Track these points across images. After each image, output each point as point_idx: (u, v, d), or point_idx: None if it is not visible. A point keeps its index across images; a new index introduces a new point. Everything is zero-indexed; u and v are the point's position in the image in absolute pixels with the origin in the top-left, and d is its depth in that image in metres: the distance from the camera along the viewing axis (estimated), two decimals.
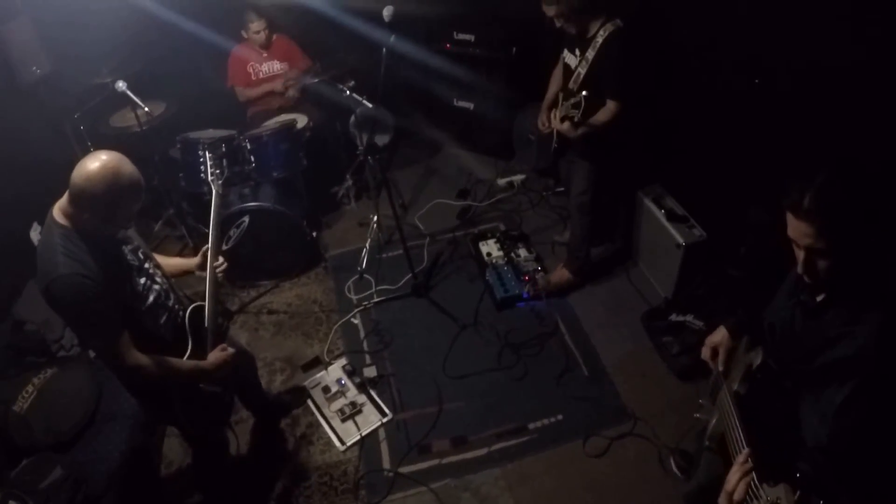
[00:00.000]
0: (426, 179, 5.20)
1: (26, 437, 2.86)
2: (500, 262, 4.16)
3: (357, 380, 3.52)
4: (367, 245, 4.29)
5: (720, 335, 2.17)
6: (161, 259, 2.56)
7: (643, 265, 4.11)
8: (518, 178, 4.97)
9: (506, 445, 3.18)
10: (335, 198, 4.98)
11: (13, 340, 3.39)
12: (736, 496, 1.66)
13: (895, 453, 1.69)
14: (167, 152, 4.15)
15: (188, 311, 2.49)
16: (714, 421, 2.18)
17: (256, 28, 4.50)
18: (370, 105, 4.09)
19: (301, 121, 4.46)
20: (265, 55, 4.68)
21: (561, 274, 3.95)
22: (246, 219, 3.93)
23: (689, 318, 3.51)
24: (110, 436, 2.94)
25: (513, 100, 4.93)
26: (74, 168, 2.01)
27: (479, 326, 3.81)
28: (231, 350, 2.52)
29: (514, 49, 4.76)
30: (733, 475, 1.69)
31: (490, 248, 4.28)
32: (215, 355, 2.46)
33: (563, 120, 3.24)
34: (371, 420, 3.34)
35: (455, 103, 5.24)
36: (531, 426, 3.26)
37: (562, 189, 4.58)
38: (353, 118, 4.77)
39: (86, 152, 2.37)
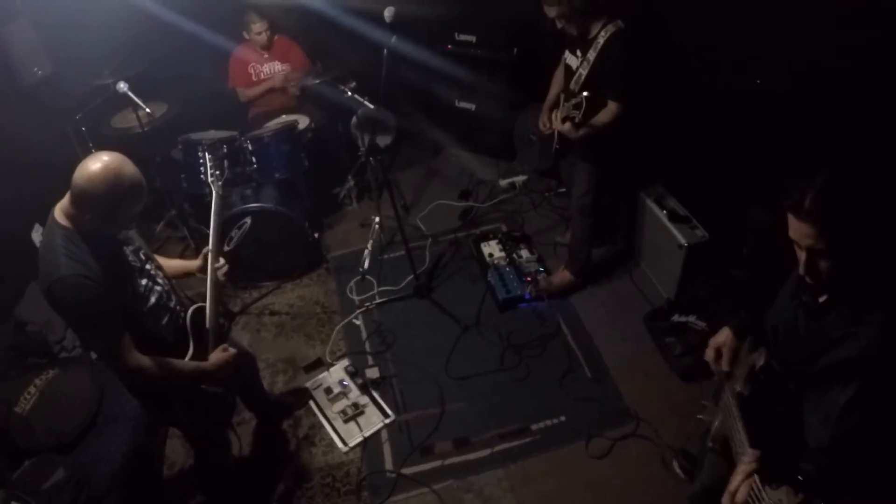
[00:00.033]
0: (428, 180, 5.19)
1: (28, 439, 2.86)
2: (502, 263, 4.15)
3: (359, 381, 3.52)
4: (369, 246, 4.29)
5: (724, 336, 2.17)
6: (162, 260, 2.55)
7: (645, 266, 4.10)
8: (520, 178, 4.97)
9: (508, 446, 3.18)
10: (337, 199, 4.98)
11: (15, 341, 3.39)
12: (738, 497, 1.66)
13: None
14: (169, 153, 4.15)
15: (189, 313, 2.48)
16: (717, 422, 2.18)
17: (258, 29, 4.50)
18: (372, 106, 4.09)
19: (302, 122, 4.46)
20: (266, 56, 4.68)
21: (562, 275, 3.95)
22: (248, 220, 3.93)
23: (692, 318, 3.50)
24: (112, 437, 2.94)
25: (514, 101, 4.92)
26: (76, 169, 2.01)
27: (482, 327, 3.80)
28: (232, 350, 2.52)
29: (516, 50, 4.76)
30: (737, 476, 1.69)
31: (492, 248, 4.28)
32: (216, 356, 2.46)
33: (563, 121, 3.24)
34: (373, 421, 3.34)
35: (456, 104, 5.23)
36: (534, 427, 3.25)
37: (563, 190, 4.57)
38: (354, 119, 4.77)
39: (87, 153, 2.37)
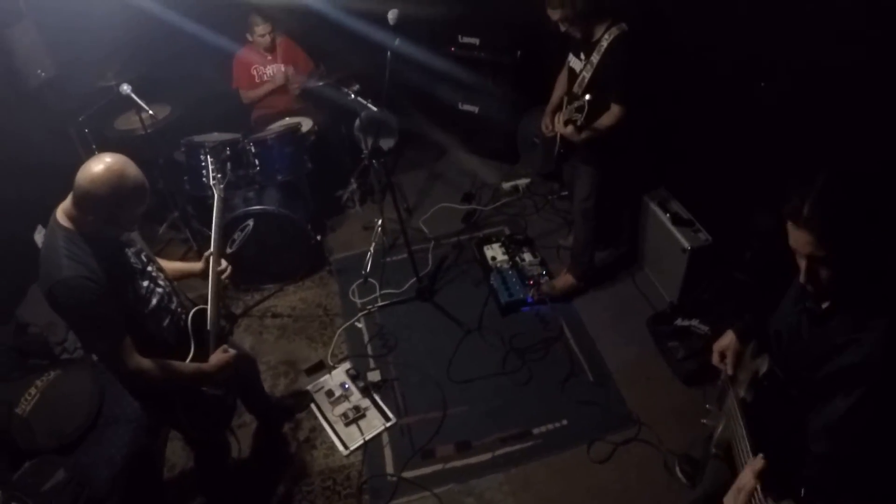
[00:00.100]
0: (431, 183, 5.19)
1: (29, 440, 2.86)
2: (505, 266, 4.15)
3: (361, 384, 3.51)
4: (372, 249, 4.29)
5: (727, 339, 2.16)
6: (164, 262, 2.55)
7: (648, 269, 4.09)
8: (523, 181, 4.96)
9: (510, 450, 3.17)
10: (340, 201, 4.98)
11: (16, 343, 3.40)
12: (742, 497, 1.65)
13: None
14: (172, 156, 4.15)
15: (191, 315, 2.48)
16: (721, 427, 2.17)
17: (261, 31, 4.51)
18: (375, 108, 4.09)
19: (305, 124, 4.47)
20: (269, 58, 4.68)
21: (565, 279, 3.94)
22: (250, 222, 3.93)
23: (695, 322, 3.49)
24: (113, 439, 2.94)
25: (517, 103, 4.92)
26: (79, 170, 2.01)
27: (484, 331, 3.80)
28: (232, 351, 2.51)
29: (519, 53, 4.75)
30: (746, 472, 1.68)
31: (495, 252, 4.28)
32: (217, 357, 2.46)
33: (566, 124, 3.23)
34: (375, 424, 3.33)
35: (460, 107, 5.23)
36: (535, 431, 3.24)
37: (566, 193, 4.56)
38: (357, 121, 4.76)
39: (90, 155, 2.37)
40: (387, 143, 5.08)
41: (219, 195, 2.76)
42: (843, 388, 1.61)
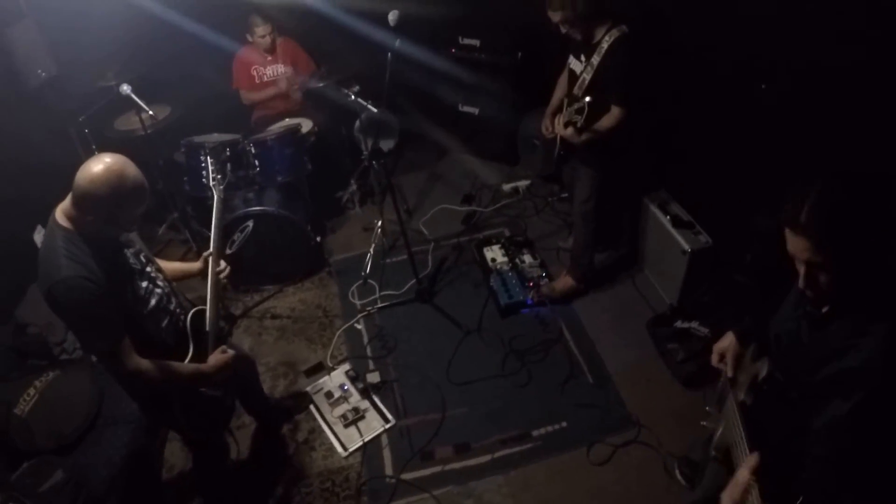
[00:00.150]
0: (431, 184, 5.19)
1: (27, 440, 2.86)
2: (505, 268, 4.14)
3: (360, 385, 3.51)
4: (372, 250, 4.28)
5: (727, 341, 2.16)
6: (163, 263, 2.55)
7: (648, 271, 4.09)
8: (523, 183, 4.96)
9: (509, 452, 3.16)
10: (339, 202, 4.98)
11: (15, 343, 3.39)
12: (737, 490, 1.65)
13: None
14: (171, 156, 4.15)
15: (189, 315, 2.48)
16: (720, 430, 2.16)
17: (262, 32, 4.51)
18: (375, 109, 4.09)
19: (306, 125, 4.47)
20: (270, 59, 4.68)
21: (565, 281, 3.94)
22: (250, 223, 3.93)
23: (695, 324, 3.48)
24: (112, 439, 2.94)
25: (518, 105, 4.92)
26: (78, 170, 2.01)
27: (484, 332, 3.79)
28: (231, 352, 2.51)
29: (520, 54, 4.75)
30: (743, 470, 1.68)
31: (494, 253, 4.27)
32: (215, 357, 2.46)
33: (566, 125, 3.23)
34: (374, 426, 3.32)
35: (460, 108, 5.23)
36: (535, 433, 3.24)
37: (566, 195, 4.56)
38: (357, 122, 4.77)
39: (90, 155, 2.36)
40: (387, 145, 5.09)
41: (218, 196, 2.76)
42: (842, 392, 1.61)
